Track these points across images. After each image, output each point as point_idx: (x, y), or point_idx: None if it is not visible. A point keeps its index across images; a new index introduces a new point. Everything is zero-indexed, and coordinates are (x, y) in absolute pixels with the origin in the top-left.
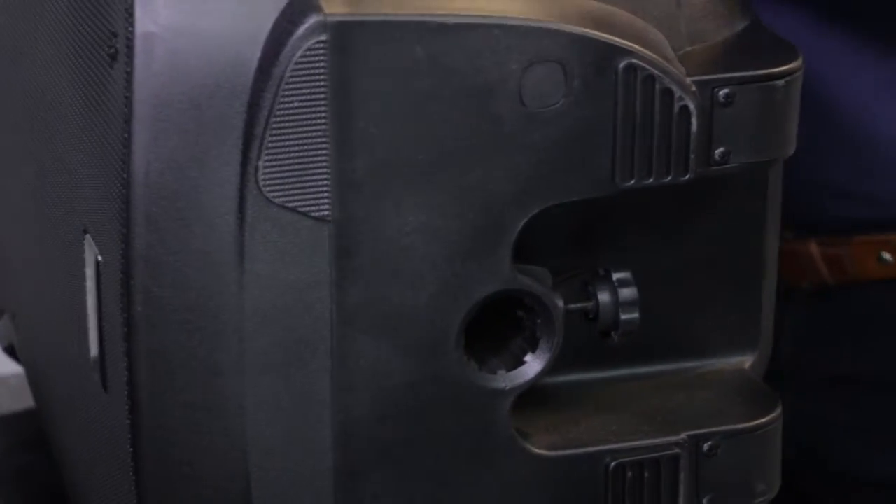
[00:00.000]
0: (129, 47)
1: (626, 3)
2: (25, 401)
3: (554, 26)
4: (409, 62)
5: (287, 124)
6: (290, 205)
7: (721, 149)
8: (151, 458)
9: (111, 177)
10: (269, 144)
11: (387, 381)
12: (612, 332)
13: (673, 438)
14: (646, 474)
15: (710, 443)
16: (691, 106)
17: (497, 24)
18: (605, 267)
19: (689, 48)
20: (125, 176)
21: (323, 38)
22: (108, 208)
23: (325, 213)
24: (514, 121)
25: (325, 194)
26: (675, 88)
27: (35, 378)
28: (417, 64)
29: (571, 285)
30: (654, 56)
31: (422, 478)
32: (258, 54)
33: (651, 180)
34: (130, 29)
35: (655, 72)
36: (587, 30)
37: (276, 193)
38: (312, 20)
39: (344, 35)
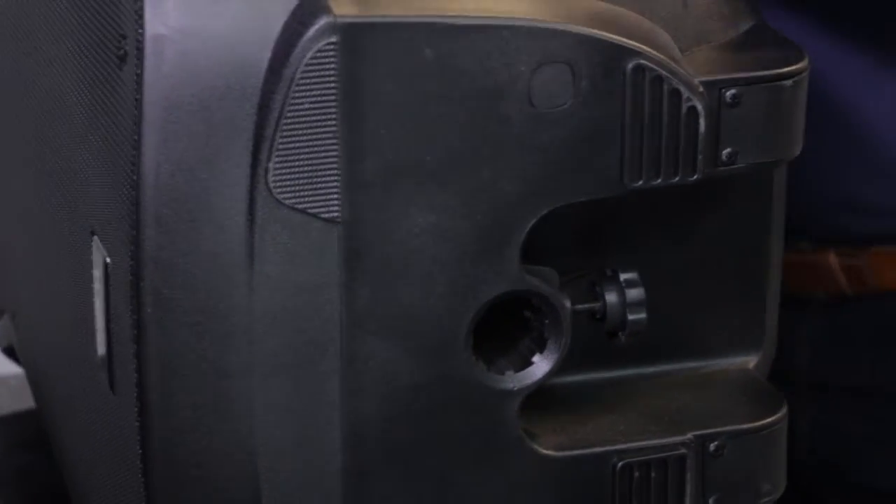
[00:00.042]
0: (139, 49)
1: (633, 4)
2: (25, 401)
3: (562, 27)
4: (419, 63)
5: (297, 126)
6: (300, 206)
7: (728, 149)
8: (160, 459)
9: (120, 178)
10: (280, 146)
11: (396, 381)
12: (620, 333)
13: (679, 438)
14: (653, 474)
15: (716, 443)
16: (699, 107)
17: (506, 25)
18: (611, 267)
19: (695, 49)
20: (134, 178)
21: (333, 39)
22: (116, 210)
23: (335, 214)
24: (522, 122)
25: (335, 196)
26: (683, 89)
27: (36, 378)
28: (427, 65)
29: (578, 286)
30: (662, 57)
31: (430, 478)
32: (268, 56)
33: (659, 181)
34: (140, 31)
35: (664, 72)
36: (595, 30)
37: (286, 195)
38: (322, 22)
39: (354, 36)
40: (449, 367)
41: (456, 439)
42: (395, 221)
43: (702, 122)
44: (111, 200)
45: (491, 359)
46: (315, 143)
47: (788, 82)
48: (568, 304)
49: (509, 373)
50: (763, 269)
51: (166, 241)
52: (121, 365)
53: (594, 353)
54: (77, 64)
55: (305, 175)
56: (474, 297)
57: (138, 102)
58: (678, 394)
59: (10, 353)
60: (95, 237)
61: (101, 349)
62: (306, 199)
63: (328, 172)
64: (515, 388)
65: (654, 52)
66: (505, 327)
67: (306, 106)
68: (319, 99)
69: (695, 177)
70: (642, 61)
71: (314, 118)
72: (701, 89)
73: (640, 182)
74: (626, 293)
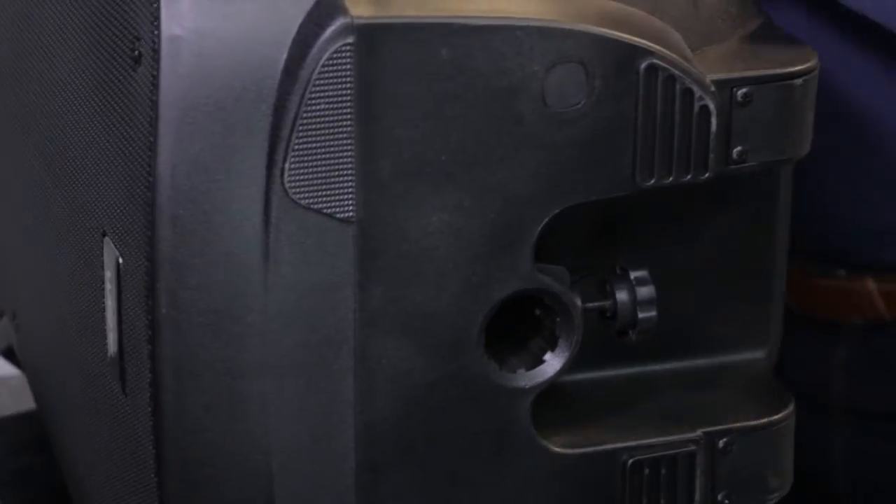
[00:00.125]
0: (155, 51)
1: (644, 4)
2: (26, 402)
3: (576, 27)
4: (434, 64)
5: (313, 126)
6: (316, 206)
7: (739, 148)
8: (174, 459)
9: (134, 179)
10: (296, 146)
11: (409, 380)
12: (630, 331)
13: (689, 436)
14: (663, 471)
15: (725, 439)
16: (711, 105)
17: (520, 25)
18: (621, 266)
19: (705, 48)
20: (150, 179)
21: (350, 40)
22: (131, 211)
23: (350, 214)
24: (536, 121)
25: (350, 196)
26: (695, 88)
27: (37, 380)
28: (442, 66)
29: (589, 284)
30: (674, 56)
31: (442, 476)
32: (284, 57)
33: (670, 179)
34: (156, 32)
35: (676, 72)
36: (609, 30)
37: (301, 195)
38: (339, 22)
39: (370, 37)
40: (461, 365)
41: (468, 437)
42: (410, 221)
43: (713, 120)
44: (124, 201)
45: (503, 357)
46: (331, 143)
47: (798, 81)
48: (579, 302)
49: (521, 371)
50: (770, 266)
51: (182, 242)
52: (133, 365)
53: (604, 352)
54: (87, 65)
55: (321, 175)
56: (487, 296)
57: (154, 104)
58: (687, 391)
59: (10, 355)
60: (107, 238)
61: (112, 349)
62: (322, 199)
63: (343, 173)
64: (527, 387)
65: (667, 52)
66: (516, 326)
67: (322, 106)
68: (335, 99)
69: (706, 175)
70: (655, 61)
71: (330, 119)
72: (713, 88)
73: (652, 181)
74: (637, 291)
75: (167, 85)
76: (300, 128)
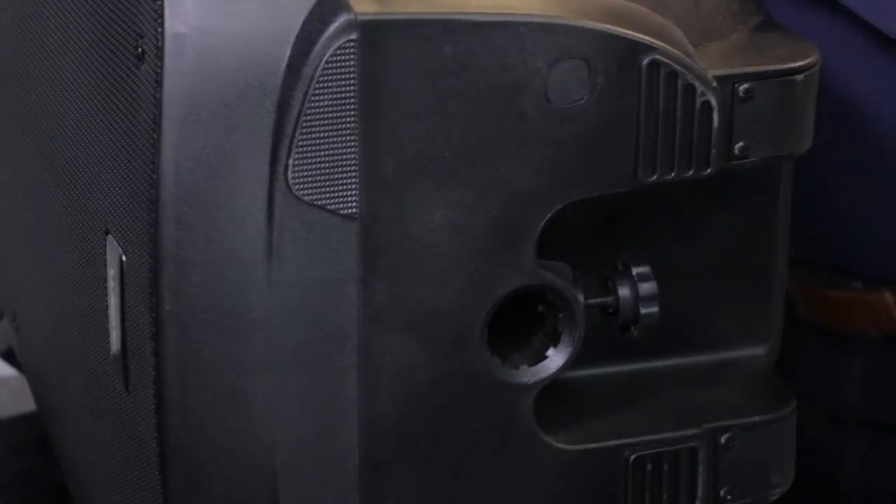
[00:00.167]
0: (159, 48)
1: (646, 0)
2: (26, 403)
3: (579, 23)
4: (438, 60)
5: (316, 123)
6: (319, 203)
7: (741, 143)
8: (178, 456)
9: (138, 177)
10: (299, 143)
11: (412, 377)
12: (632, 327)
13: (691, 431)
14: (665, 467)
15: (727, 435)
16: (713, 101)
17: (523, 21)
18: (622, 262)
19: (706, 45)
20: (154, 176)
21: (353, 36)
22: (134, 208)
23: (353, 210)
24: (539, 117)
25: (354, 192)
26: (697, 84)
27: (37, 380)
28: (445, 62)
29: (591, 280)
30: (676, 52)
31: (445, 472)
32: (287, 54)
33: (672, 175)
34: (160, 30)
35: (678, 68)
36: (611, 26)
37: (305, 191)
38: (342, 19)
39: (373, 34)
40: (464, 361)
41: (471, 433)
42: (413, 217)
43: (715, 116)
44: (128, 199)
45: (506, 353)
46: (334, 140)
47: (800, 77)
48: (581, 298)
49: (524, 367)
50: (771, 262)
51: (185, 239)
52: (137, 363)
53: (606, 348)
54: (89, 63)
55: (324, 172)
56: (490, 292)
57: (158, 101)
58: (689, 387)
59: (10, 356)
60: (110, 236)
61: (115, 347)
62: (325, 195)
63: (347, 169)
64: (530, 382)
65: (669, 48)
66: (519, 322)
67: (326, 103)
68: (339, 96)
69: (708, 171)
70: (657, 56)
71: (333, 115)
72: (714, 84)
73: (654, 177)
74: (639, 287)
75: (171, 82)
76: (303, 124)
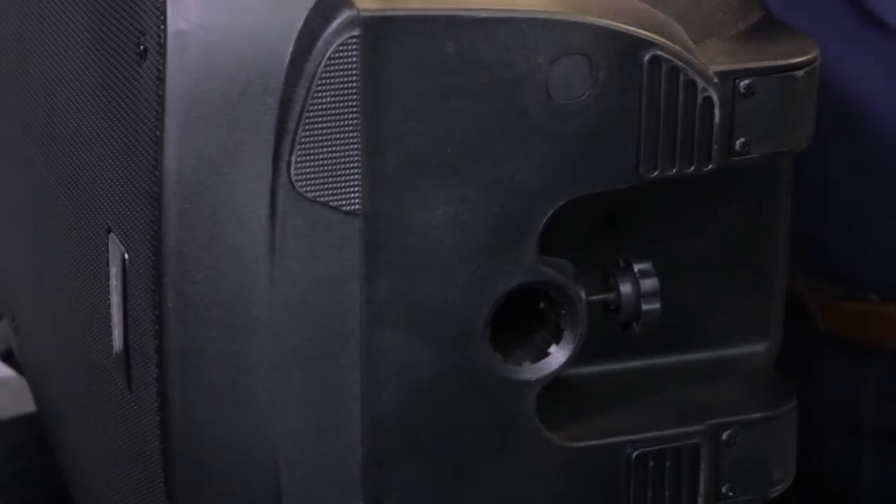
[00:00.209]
0: (161, 45)
1: None
2: (25, 404)
3: (580, 19)
4: (440, 56)
5: (319, 119)
6: (322, 199)
7: (742, 139)
8: (181, 453)
9: (140, 175)
10: (302, 140)
11: (414, 373)
12: (634, 323)
13: (693, 428)
14: (667, 464)
15: (729, 432)
16: (714, 97)
17: (524, 17)
18: (624, 258)
19: (706, 40)
20: (157, 173)
21: (355, 33)
22: (136, 206)
23: (356, 207)
24: (540, 113)
25: (356, 188)
26: (698, 80)
27: (37, 381)
28: (447, 58)
29: (592, 277)
30: (677, 48)
31: (448, 468)
32: (290, 50)
33: (674, 171)
34: (162, 27)
35: (679, 63)
36: (612, 22)
37: (307, 188)
38: (345, 15)
39: (376, 30)
40: (467, 358)
41: (474, 430)
42: (415, 214)
43: (717, 112)
44: (130, 196)
45: (508, 350)
46: (337, 136)
47: (801, 72)
48: (583, 295)
49: (526, 364)
50: (771, 259)
51: (188, 236)
52: (139, 361)
53: (608, 345)
54: (91, 61)
55: (327, 168)
56: (492, 289)
57: (160, 98)
58: (690, 383)
59: (9, 357)
60: (112, 234)
61: (117, 345)
62: (328, 192)
63: (349, 165)
64: (532, 379)
65: (670, 44)
66: (521, 319)
67: (328, 100)
68: (341, 92)
69: (709, 167)
70: (659, 52)
71: (336, 112)
72: (716, 80)
73: (656, 173)
74: (641, 283)
75: (173, 79)
76: (306, 121)
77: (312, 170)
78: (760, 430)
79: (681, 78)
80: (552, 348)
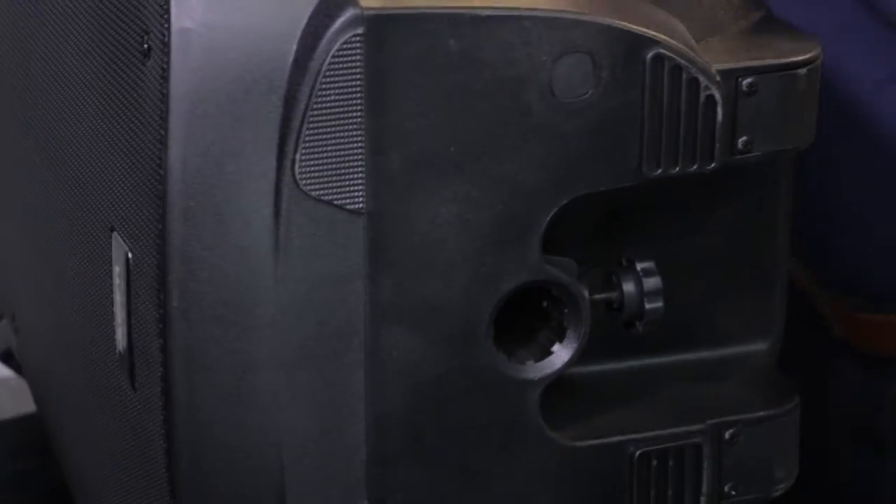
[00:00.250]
0: (165, 44)
1: None
2: (25, 405)
3: (583, 17)
4: (443, 54)
5: (323, 118)
6: (326, 198)
7: (744, 137)
8: (185, 453)
9: (144, 173)
10: (306, 138)
11: (418, 372)
12: (637, 322)
13: (696, 427)
14: (670, 463)
15: (731, 430)
16: (717, 95)
17: (528, 15)
18: (627, 257)
19: (708, 39)
20: (161, 172)
21: (359, 31)
22: (140, 205)
23: (360, 205)
24: (544, 112)
25: (360, 187)
26: (701, 78)
27: (38, 381)
28: (451, 57)
29: (595, 275)
30: (680, 46)
31: (452, 468)
32: (294, 48)
33: (677, 170)
34: (166, 25)
35: (682, 62)
36: (616, 20)
37: (311, 187)
38: (349, 14)
39: (379, 28)
40: (471, 357)
41: (477, 429)
42: (419, 212)
43: (719, 110)
44: (134, 195)
45: (511, 349)
46: (341, 134)
47: (803, 70)
48: (587, 293)
49: (529, 363)
50: (772, 257)
51: (192, 235)
52: (143, 360)
53: (611, 344)
54: (93, 59)
55: (331, 167)
56: (495, 288)
57: (164, 97)
58: (693, 382)
59: (8, 358)
60: (115, 233)
61: (121, 345)
62: (332, 190)
63: (353, 164)
64: (536, 378)
65: (673, 42)
66: (524, 318)
67: (332, 98)
68: (345, 91)
69: (712, 165)
70: (661, 50)
71: (340, 110)
72: (718, 78)
73: (659, 171)
74: (644, 282)
75: (177, 78)
76: (310, 119)
77: (316, 168)
78: (763, 428)
79: (683, 76)
80: (555, 347)
